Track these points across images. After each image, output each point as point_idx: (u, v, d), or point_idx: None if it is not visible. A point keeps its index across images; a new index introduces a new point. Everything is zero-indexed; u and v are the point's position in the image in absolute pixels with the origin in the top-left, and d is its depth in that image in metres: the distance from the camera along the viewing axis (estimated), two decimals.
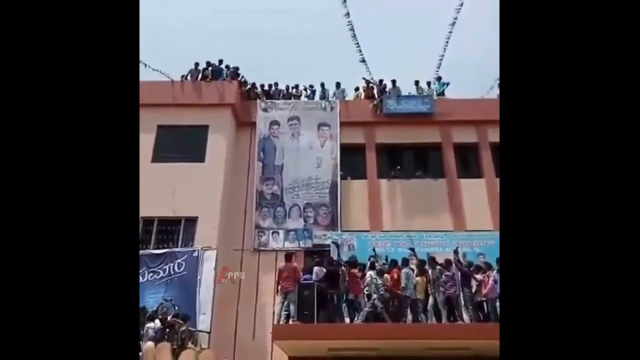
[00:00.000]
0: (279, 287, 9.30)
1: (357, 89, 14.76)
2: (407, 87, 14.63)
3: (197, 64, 14.18)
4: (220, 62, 14.38)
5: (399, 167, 13.40)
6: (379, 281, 9.10)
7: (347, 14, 12.05)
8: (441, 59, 13.81)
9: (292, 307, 8.98)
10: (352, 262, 9.57)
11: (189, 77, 13.94)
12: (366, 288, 9.09)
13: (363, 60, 13.34)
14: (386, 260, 10.14)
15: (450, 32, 12.93)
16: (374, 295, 8.94)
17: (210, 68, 14.10)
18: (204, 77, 13.89)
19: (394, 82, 14.53)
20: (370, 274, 9.19)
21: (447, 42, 13.15)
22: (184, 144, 12.36)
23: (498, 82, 14.30)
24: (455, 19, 12.67)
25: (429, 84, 14.56)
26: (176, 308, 8.81)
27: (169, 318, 8.29)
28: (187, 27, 29.18)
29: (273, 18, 34.03)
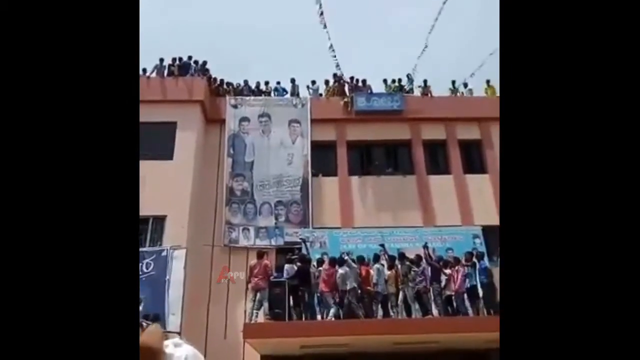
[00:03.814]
0: (250, 285, 9.24)
1: (327, 82, 14.74)
2: (377, 86, 14.80)
3: (162, 60, 13.86)
4: (190, 57, 14.12)
5: (377, 162, 13.51)
6: (357, 271, 9.15)
7: (320, 8, 12.04)
8: (416, 64, 14.07)
9: (265, 305, 8.94)
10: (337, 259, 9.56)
11: (154, 73, 13.61)
12: (340, 283, 9.08)
13: (333, 54, 13.39)
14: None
15: (430, 32, 13.12)
16: (352, 286, 8.93)
17: (177, 64, 13.83)
18: (170, 73, 13.60)
19: (364, 81, 14.63)
20: (345, 269, 9.20)
21: (425, 45, 13.36)
22: (151, 141, 12.05)
23: (465, 81, 14.58)
24: (436, 20, 12.86)
25: (399, 80, 14.71)
26: (146, 309, 8.62)
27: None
28: (156, 21, 28.50)
29: (244, 12, 33.71)
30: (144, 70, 13.49)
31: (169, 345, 1.07)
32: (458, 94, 14.64)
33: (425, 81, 14.68)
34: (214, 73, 14.38)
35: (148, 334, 0.87)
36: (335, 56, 13.43)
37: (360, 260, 9.68)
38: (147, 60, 14.04)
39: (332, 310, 8.90)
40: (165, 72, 13.70)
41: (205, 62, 14.16)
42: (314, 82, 14.72)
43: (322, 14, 12.40)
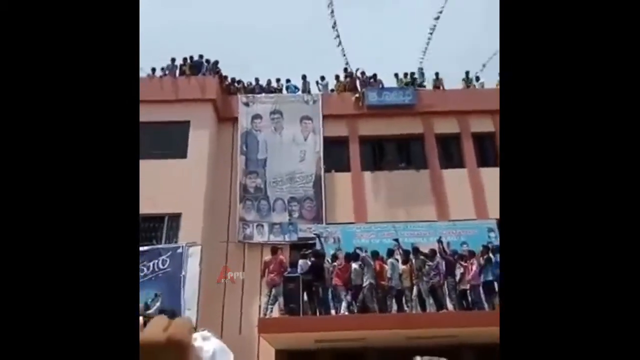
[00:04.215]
0: (266, 280, 9.33)
1: (337, 77, 14.72)
2: (388, 80, 14.75)
3: (173, 59, 13.99)
4: (201, 56, 14.22)
5: (389, 157, 13.50)
6: (372, 265, 9.18)
7: (330, 6, 12.07)
8: (424, 51, 14.01)
9: (279, 300, 9.02)
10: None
11: (166, 73, 13.75)
12: (355, 278, 9.12)
13: (342, 51, 13.42)
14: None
15: (435, 26, 13.09)
16: (368, 282, 8.98)
17: (188, 63, 13.93)
18: (182, 73, 13.72)
19: (375, 76, 14.59)
20: (359, 264, 9.24)
21: (430, 34, 13.31)
22: (165, 141, 12.23)
23: (477, 73, 14.47)
24: (440, 12, 12.83)
25: (411, 74, 14.65)
26: (163, 304, 8.78)
27: (151, 310, 8.23)
28: (155, 21, 28.53)
29: (250, 9, 33.72)
30: (153, 69, 13.66)
31: (198, 339, 1.04)
32: (471, 85, 14.52)
33: (437, 74, 14.58)
34: (221, 70, 14.44)
35: (176, 326, 0.85)
36: (345, 54, 13.45)
37: (375, 255, 9.69)
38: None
39: (343, 303, 8.94)
40: (177, 72, 13.82)
41: (217, 62, 14.25)
42: (323, 78, 14.71)
43: (332, 12, 12.42)
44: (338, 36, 13.48)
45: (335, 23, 13.08)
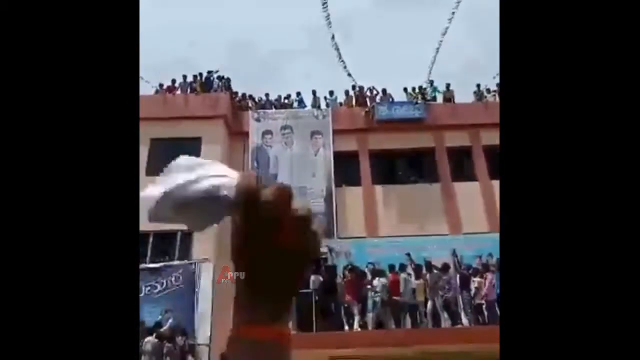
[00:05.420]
0: None
1: (347, 92, 14.80)
2: (397, 94, 14.80)
3: (185, 76, 14.25)
4: (210, 72, 14.44)
5: (400, 171, 13.47)
6: (385, 281, 9.09)
7: (330, 26, 12.23)
8: (432, 65, 14.06)
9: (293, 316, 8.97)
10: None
11: (179, 90, 13.99)
12: (367, 293, 9.05)
13: (345, 68, 13.57)
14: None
15: (441, 41, 13.16)
16: (377, 298, 8.90)
17: (199, 80, 14.15)
18: (193, 90, 13.94)
19: (384, 90, 14.64)
20: (376, 279, 9.17)
21: (437, 48, 13.38)
22: (177, 157, 12.34)
23: (487, 85, 14.45)
24: (447, 27, 12.91)
25: (420, 88, 14.66)
26: (176, 320, 8.77)
27: (164, 327, 8.21)
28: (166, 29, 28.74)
29: (258, 25, 34.14)
30: (173, 80, 13.92)
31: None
32: (483, 98, 14.49)
33: (448, 85, 14.59)
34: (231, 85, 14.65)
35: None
36: (349, 73, 13.59)
37: (391, 268, 9.61)
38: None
39: (356, 318, 8.85)
40: (189, 88, 14.06)
41: (229, 79, 14.46)
42: (331, 93, 14.82)
43: (333, 37, 12.60)
44: (341, 58, 13.65)
45: (337, 47, 13.27)
